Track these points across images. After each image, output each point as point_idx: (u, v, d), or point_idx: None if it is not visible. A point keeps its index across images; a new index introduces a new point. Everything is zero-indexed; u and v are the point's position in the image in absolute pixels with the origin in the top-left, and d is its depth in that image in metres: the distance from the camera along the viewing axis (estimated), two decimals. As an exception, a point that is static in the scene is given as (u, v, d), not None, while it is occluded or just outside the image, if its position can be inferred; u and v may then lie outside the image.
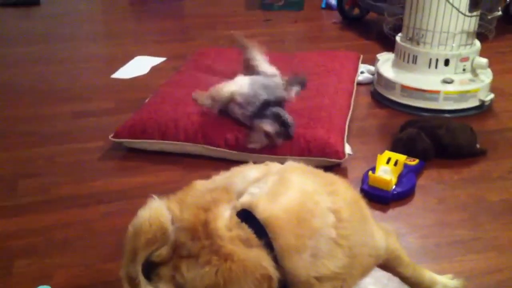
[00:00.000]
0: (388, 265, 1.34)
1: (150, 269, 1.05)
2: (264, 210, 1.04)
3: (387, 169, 1.98)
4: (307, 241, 1.04)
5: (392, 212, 1.88)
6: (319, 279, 1.06)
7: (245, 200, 1.08)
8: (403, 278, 1.38)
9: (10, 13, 4.77)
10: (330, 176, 1.23)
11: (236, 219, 1.04)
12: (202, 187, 1.21)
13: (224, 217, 1.04)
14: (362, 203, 1.23)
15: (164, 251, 1.05)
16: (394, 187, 1.93)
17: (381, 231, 1.27)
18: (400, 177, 1.98)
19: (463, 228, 1.78)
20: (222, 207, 1.06)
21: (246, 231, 1.02)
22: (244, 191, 1.12)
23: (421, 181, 2.04)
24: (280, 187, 1.11)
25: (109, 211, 1.90)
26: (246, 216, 1.04)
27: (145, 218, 1.13)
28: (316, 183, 1.15)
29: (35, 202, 1.96)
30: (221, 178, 1.25)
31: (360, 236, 1.15)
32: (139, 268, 1.07)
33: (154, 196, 1.21)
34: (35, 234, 1.78)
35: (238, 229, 1.02)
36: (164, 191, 1.26)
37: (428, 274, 1.41)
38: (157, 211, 1.15)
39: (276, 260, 1.02)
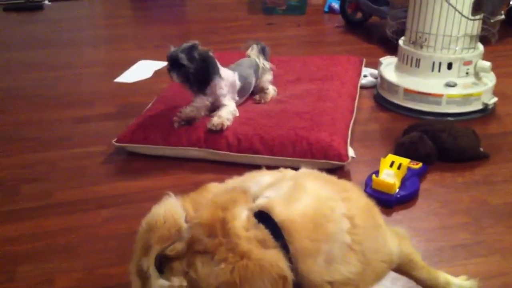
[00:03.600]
0: (403, 269, 1.34)
1: (163, 263, 1.05)
2: (281, 212, 1.05)
3: (390, 172, 1.97)
4: (322, 245, 1.05)
5: (395, 215, 1.87)
6: (332, 284, 1.06)
7: (262, 202, 1.09)
8: (418, 281, 1.38)
9: (13, 18, 4.78)
10: (344, 183, 1.23)
11: (253, 220, 1.04)
12: (216, 189, 1.21)
13: (241, 217, 1.04)
14: (375, 210, 1.24)
15: (179, 246, 1.05)
16: (397, 190, 1.93)
17: (395, 237, 1.27)
18: (403, 181, 1.97)
19: (466, 232, 1.77)
20: (240, 207, 1.06)
21: (263, 232, 1.03)
22: (259, 195, 1.13)
23: (424, 185, 2.03)
24: (296, 192, 1.11)
25: (111, 215, 1.90)
26: (263, 218, 1.05)
27: (160, 215, 1.13)
28: (330, 190, 1.16)
29: (37, 207, 1.96)
30: (234, 182, 1.25)
31: (373, 242, 1.15)
32: (152, 261, 1.06)
33: (169, 193, 1.21)
34: (38, 239, 1.78)
35: (255, 229, 1.03)
36: (167, 195, 1.26)
37: (442, 275, 1.41)
38: (171, 208, 1.15)
39: (290, 262, 1.02)
